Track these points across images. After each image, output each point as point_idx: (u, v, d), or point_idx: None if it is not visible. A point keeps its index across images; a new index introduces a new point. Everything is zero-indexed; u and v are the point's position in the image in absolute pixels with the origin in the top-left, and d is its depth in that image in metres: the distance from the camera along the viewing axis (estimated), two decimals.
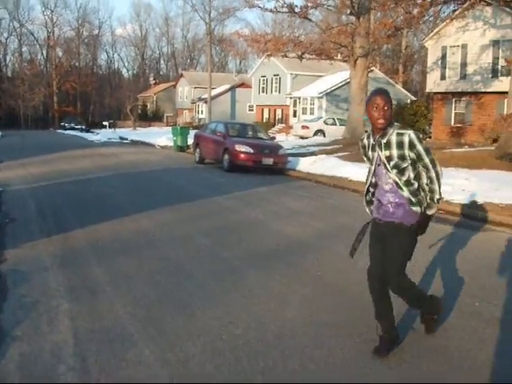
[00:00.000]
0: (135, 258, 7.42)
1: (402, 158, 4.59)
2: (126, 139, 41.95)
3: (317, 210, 12.43)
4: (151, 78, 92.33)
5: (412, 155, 4.58)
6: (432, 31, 39.81)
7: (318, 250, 8.31)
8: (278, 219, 10.85)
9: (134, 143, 38.39)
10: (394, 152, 4.59)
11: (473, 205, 12.55)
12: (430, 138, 37.34)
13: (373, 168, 4.80)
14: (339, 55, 35.15)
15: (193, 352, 4.57)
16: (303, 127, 42.68)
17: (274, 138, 23.64)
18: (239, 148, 19.35)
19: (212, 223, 10.20)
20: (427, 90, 41.25)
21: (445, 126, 36.60)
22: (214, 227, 9.81)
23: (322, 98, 50.00)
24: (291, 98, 54.33)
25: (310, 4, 31.39)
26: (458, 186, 14.26)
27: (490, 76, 33.78)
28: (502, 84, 30.59)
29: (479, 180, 15.24)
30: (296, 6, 31.29)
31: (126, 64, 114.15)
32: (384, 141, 4.63)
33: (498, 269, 7.67)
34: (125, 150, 29.61)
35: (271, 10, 32.51)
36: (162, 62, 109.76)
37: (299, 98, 53.33)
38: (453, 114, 36.63)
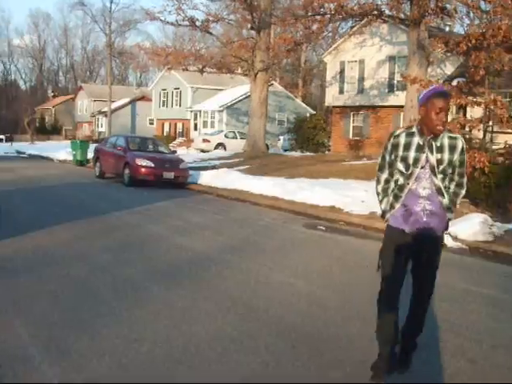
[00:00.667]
0: (35, 276, 7.21)
1: (451, 163, 4.37)
2: (24, 153, 40.72)
3: (219, 224, 12.49)
4: (50, 91, 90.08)
5: (458, 161, 4.41)
6: (331, 46, 40.92)
7: (221, 264, 8.34)
8: (180, 234, 10.83)
9: (32, 157, 37.30)
10: (446, 156, 4.34)
11: (372, 215, 12.96)
12: (329, 150, 38.25)
13: (417, 171, 4.36)
14: (240, 69, 35.53)
15: (98, 372, 4.50)
16: (204, 141, 42.75)
17: (175, 152, 23.59)
18: (140, 162, 19.19)
19: (113, 239, 10.06)
20: (326, 104, 42.29)
21: (343, 139, 37.56)
22: (115, 243, 9.68)
23: (222, 111, 50.28)
24: (192, 111, 54.35)
25: (211, 18, 31.63)
26: (357, 197, 14.71)
27: (387, 90, 34.98)
28: (398, 98, 31.74)
29: None
30: (197, 19, 31.50)
31: (24, 76, 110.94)
32: (438, 143, 4.35)
33: None
34: (22, 165, 28.69)
35: (172, 24, 32.55)
36: (60, 73, 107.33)
37: (200, 112, 53.41)
38: (351, 128, 37.65)
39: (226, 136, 43.55)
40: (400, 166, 4.43)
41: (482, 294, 7.44)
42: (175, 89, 56.94)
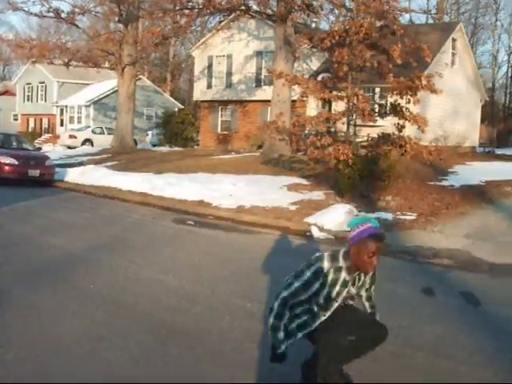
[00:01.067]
0: None
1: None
2: None
3: (87, 222, 12.20)
4: None
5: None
6: (199, 41, 40.82)
7: (90, 263, 8.16)
8: (47, 233, 10.47)
9: None
10: (364, 290, 4.43)
11: (240, 209, 13.12)
12: (197, 145, 38.30)
13: (336, 304, 4.15)
14: (107, 63, 34.76)
15: None
16: (71, 137, 41.52)
17: (40, 149, 22.79)
18: (3, 160, 18.34)
19: None
20: (194, 99, 42.25)
21: (212, 134, 37.69)
22: None
23: (89, 106, 49.11)
24: (58, 106, 52.68)
25: (77, 10, 30.61)
26: (226, 191, 14.84)
27: (254, 85, 35.39)
28: (265, 93, 32.19)
29: (246, 185, 15.96)
30: (63, 11, 30.36)
31: None
32: (362, 278, 4.29)
33: (266, 269, 8.10)
34: None
35: (36, 15, 31.17)
36: None
37: (66, 107, 51.88)
38: (219, 122, 37.80)
39: (93, 132, 42.51)
40: (320, 299, 4.10)
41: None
42: (40, 83, 54.92)
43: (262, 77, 34.42)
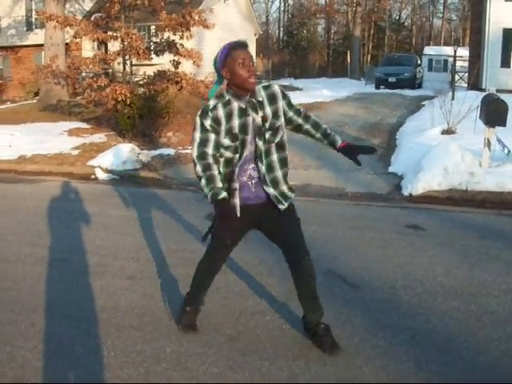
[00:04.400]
0: None
1: (276, 113, 3.91)
2: None
3: None
4: None
5: (286, 106, 3.98)
6: None
7: None
8: None
9: None
10: (268, 109, 3.88)
11: (22, 159, 12.76)
12: None
13: (249, 137, 3.84)
14: None
15: None
16: None
17: None
18: None
19: None
20: None
21: None
22: None
23: None
24: None
25: None
26: (3, 142, 14.26)
27: (25, 29, 33.64)
28: (37, 36, 30.72)
29: (25, 134, 15.47)
30: None
31: None
32: (259, 98, 3.86)
33: (53, 215, 8.11)
34: None
35: None
36: None
37: None
38: None
39: None
40: (225, 140, 3.82)
41: (135, 218, 7.93)
42: None
43: (33, 20, 32.80)
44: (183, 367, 3.91)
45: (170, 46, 15.67)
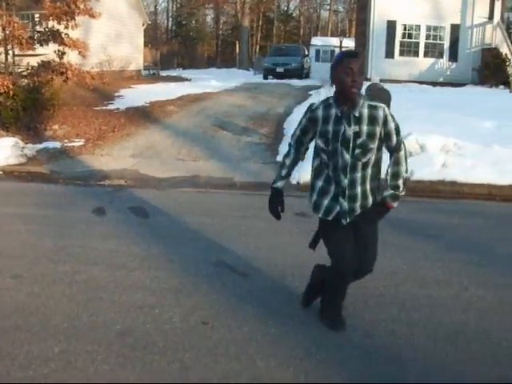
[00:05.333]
0: None
1: (372, 135, 3.95)
2: None
3: None
4: None
5: (382, 133, 3.99)
6: None
7: None
8: None
9: None
10: (365, 128, 3.92)
11: None
12: None
13: (338, 146, 3.95)
14: None
15: None
16: None
17: None
18: None
19: None
20: None
21: None
22: None
23: None
24: None
25: None
26: None
27: None
28: None
29: None
30: None
31: None
32: (356, 114, 3.91)
33: None
34: None
35: None
36: None
37: None
38: None
39: None
40: (319, 142, 4.06)
41: (20, 214, 7.69)
42: None
43: None
44: (73, 367, 3.86)
45: (55, 36, 15.19)
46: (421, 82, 23.97)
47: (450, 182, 9.17)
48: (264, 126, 14.64)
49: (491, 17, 25.70)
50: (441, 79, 24.99)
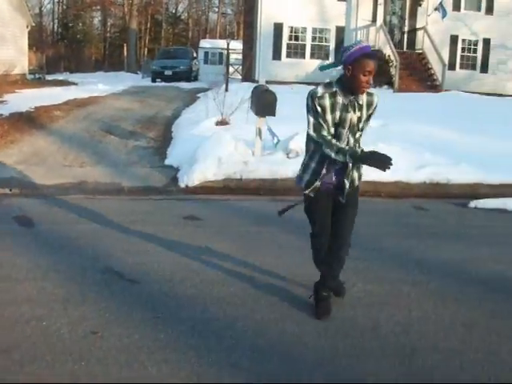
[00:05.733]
0: None
1: (368, 119, 4.41)
2: None
3: None
4: None
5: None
6: None
7: None
8: None
9: None
10: (364, 113, 4.34)
11: None
12: None
13: (345, 131, 4.30)
14: None
15: None
16: None
17: None
18: None
19: None
20: None
21: None
22: None
23: None
24: None
25: None
26: None
27: None
28: None
29: None
30: None
31: None
32: (360, 101, 4.29)
33: None
34: None
35: None
36: None
37: None
38: None
39: None
40: (325, 129, 4.29)
41: None
42: None
43: None
44: None
45: None
46: (308, 83, 24.49)
47: None
48: (152, 129, 14.54)
49: (374, 19, 26.68)
50: (327, 80, 25.53)
